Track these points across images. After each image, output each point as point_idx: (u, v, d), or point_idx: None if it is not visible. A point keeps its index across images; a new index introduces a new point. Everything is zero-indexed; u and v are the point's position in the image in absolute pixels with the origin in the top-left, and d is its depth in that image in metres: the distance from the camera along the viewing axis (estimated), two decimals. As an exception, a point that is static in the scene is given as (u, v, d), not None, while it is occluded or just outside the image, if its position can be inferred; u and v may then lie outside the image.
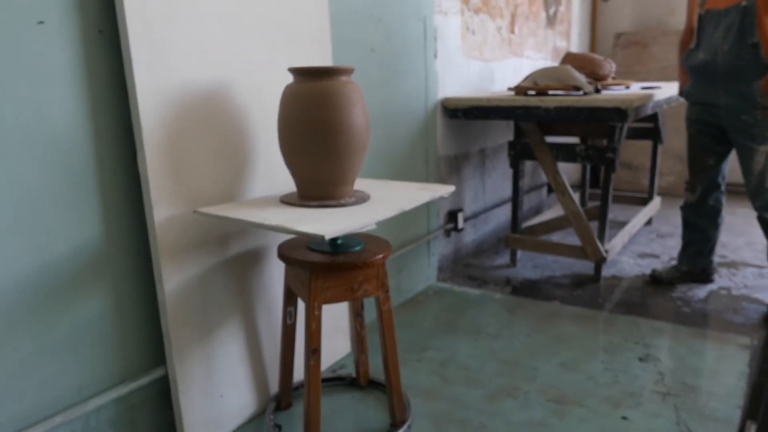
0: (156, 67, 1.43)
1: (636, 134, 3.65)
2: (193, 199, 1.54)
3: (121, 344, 1.50)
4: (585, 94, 2.57)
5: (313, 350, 1.55)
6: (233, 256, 1.68)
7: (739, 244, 3.33)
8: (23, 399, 1.32)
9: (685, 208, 2.74)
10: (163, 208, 1.47)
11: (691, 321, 2.40)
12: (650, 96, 2.62)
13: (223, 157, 1.63)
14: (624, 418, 1.75)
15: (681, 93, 2.66)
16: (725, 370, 2.00)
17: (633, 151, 4.64)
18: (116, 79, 1.42)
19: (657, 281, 2.80)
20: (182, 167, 1.51)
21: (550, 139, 2.85)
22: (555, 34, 4.07)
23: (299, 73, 1.54)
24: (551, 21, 3.97)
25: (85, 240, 1.40)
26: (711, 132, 2.52)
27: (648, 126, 3.59)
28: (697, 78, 2.49)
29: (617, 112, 2.40)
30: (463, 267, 3.10)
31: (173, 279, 1.51)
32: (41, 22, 1.27)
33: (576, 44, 4.55)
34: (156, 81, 1.43)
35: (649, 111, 2.75)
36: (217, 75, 1.59)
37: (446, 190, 1.71)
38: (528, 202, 3.91)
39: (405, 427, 1.68)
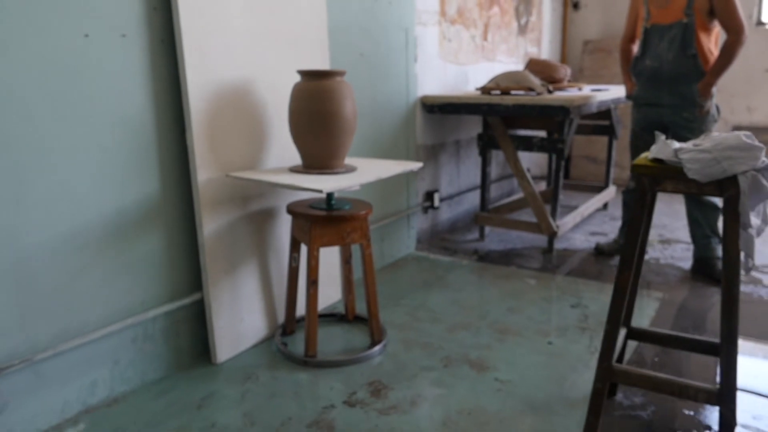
0: (200, 68, 1.94)
1: (595, 130, 4.18)
2: (225, 166, 2.06)
3: (170, 272, 2.02)
4: (538, 94, 3.10)
5: (312, 281, 2.08)
6: (252, 212, 2.21)
7: (678, 226, 3.87)
8: (106, 305, 1.84)
9: (625, 193, 3.26)
10: (203, 172, 1.99)
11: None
12: (591, 97, 3.16)
13: (246, 136, 2.15)
14: (550, 342, 2.28)
15: (629, 96, 3.12)
16: (638, 313, 2.54)
17: (598, 147, 5.18)
18: (171, 76, 1.94)
19: (600, 253, 3.33)
20: (217, 142, 2.03)
21: (521, 132, 3.38)
22: (526, 41, 4.60)
23: (305, 74, 2.06)
24: (522, 30, 4.50)
25: (147, 193, 1.92)
26: (653, 128, 2.95)
27: (605, 123, 4.13)
28: (645, 82, 2.98)
29: (562, 110, 2.94)
30: (439, 240, 3.63)
31: (209, 226, 2.03)
32: (124, 35, 1.79)
33: (547, 50, 5.08)
34: (200, 78, 1.95)
35: (593, 109, 3.29)
36: (243, 74, 2.11)
37: (416, 165, 2.24)
38: (500, 188, 4.44)
39: (381, 345, 2.21)
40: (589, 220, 4.02)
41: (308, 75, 2.06)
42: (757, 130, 4.74)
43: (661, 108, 2.94)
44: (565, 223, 3.42)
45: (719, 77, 2.75)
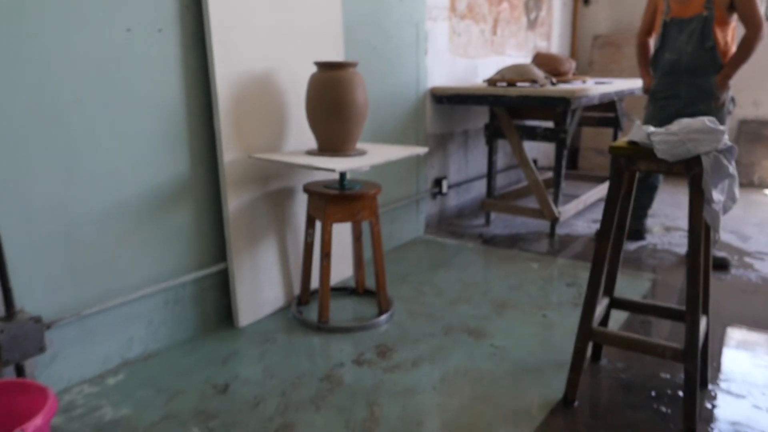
0: (227, 60, 2.15)
1: (600, 122, 4.33)
2: (248, 148, 2.27)
3: (198, 243, 2.24)
4: (541, 86, 3.27)
5: (326, 254, 2.28)
6: (272, 191, 2.42)
7: (679, 215, 4.02)
8: (142, 270, 2.06)
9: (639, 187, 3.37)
10: (229, 153, 2.20)
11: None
12: (592, 89, 3.32)
13: (267, 121, 2.35)
14: (544, 315, 2.47)
15: (646, 91, 3.19)
16: (630, 291, 2.71)
17: (605, 139, 5.32)
18: (201, 66, 2.15)
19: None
20: (242, 126, 2.24)
21: (528, 123, 3.54)
22: (536, 35, 4.75)
23: (320, 65, 2.26)
24: (532, 24, 4.66)
25: (178, 172, 2.14)
26: (668, 121, 3.05)
27: (611, 116, 4.28)
28: (663, 75, 3.05)
29: (563, 101, 3.11)
30: (447, 225, 3.82)
31: (233, 202, 2.25)
32: (160, 30, 2.00)
33: (557, 45, 5.23)
34: (227, 69, 2.16)
35: (595, 101, 3.45)
36: (265, 66, 2.31)
37: (421, 150, 2.43)
38: (508, 177, 4.61)
39: (388, 314, 2.42)
40: (592, 208, 4.17)
41: (324, 66, 2.26)
42: (763, 124, 4.86)
43: (678, 100, 3.01)
44: (567, 209, 3.59)
45: (737, 70, 2.86)
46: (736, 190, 1.66)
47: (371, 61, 2.96)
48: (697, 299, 1.57)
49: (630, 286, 2.78)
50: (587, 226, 3.81)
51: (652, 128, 1.60)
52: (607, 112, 4.24)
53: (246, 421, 1.74)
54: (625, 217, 1.82)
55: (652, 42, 3.16)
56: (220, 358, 2.11)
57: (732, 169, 1.52)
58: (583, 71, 5.49)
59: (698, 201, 1.55)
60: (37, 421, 1.34)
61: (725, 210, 1.66)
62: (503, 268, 3.04)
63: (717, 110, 2.95)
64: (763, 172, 4.83)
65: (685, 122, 1.55)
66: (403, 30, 3.18)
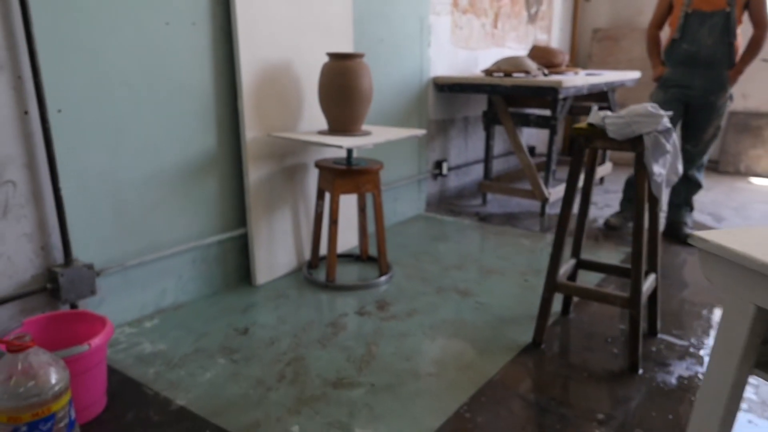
0: (250, 49, 2.47)
1: (594, 112, 4.60)
2: (267, 128, 2.60)
3: (222, 210, 2.58)
4: (533, 76, 3.56)
5: (333, 221, 2.61)
6: (287, 166, 2.75)
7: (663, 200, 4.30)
8: (175, 231, 2.40)
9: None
10: (250, 132, 2.53)
11: (594, 235, 3.41)
12: (579, 80, 3.60)
13: (284, 104, 2.68)
14: (526, 280, 2.79)
15: (657, 79, 3.35)
16: (603, 258, 3.00)
17: (602, 128, 5.59)
18: (227, 55, 2.47)
19: (610, 228, 3.65)
20: (262, 108, 2.57)
21: (525, 110, 3.83)
22: (536, 29, 5.02)
23: (332, 56, 2.58)
24: (532, 18, 4.93)
25: (206, 147, 2.47)
26: (676, 106, 3.24)
27: (604, 105, 4.55)
28: (678, 65, 3.23)
29: (552, 90, 3.40)
30: (446, 204, 4.14)
31: (253, 175, 2.58)
32: (194, 23, 2.32)
33: (557, 38, 5.49)
34: (250, 57, 2.48)
35: (585, 91, 3.74)
36: (283, 55, 2.63)
37: (420, 132, 2.75)
38: (507, 162, 4.91)
39: (387, 276, 2.74)
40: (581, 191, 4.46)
41: (335, 56, 2.57)
42: (750, 115, 5.11)
43: (690, 90, 3.19)
44: (556, 191, 3.89)
45: (748, 67, 3.11)
46: (679, 166, 1.97)
47: (378, 51, 3.27)
48: (640, 255, 1.88)
49: (605, 259, 3.08)
50: (575, 207, 4.09)
51: (604, 112, 1.90)
52: (602, 102, 4.52)
53: (263, 355, 2.08)
54: (589, 190, 2.13)
55: (662, 34, 3.32)
56: (240, 308, 2.46)
57: (669, 147, 1.82)
58: (583, 63, 5.75)
59: (642, 174, 1.85)
60: (99, 339, 1.69)
61: (669, 183, 1.97)
62: (495, 242, 3.36)
63: (723, 102, 3.19)
64: (750, 161, 5.09)
65: (631, 108, 1.85)
66: (408, 23, 3.48)
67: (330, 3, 2.84)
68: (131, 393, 1.85)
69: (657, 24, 3.37)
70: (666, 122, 1.82)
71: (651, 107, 1.82)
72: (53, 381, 1.44)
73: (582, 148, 1.97)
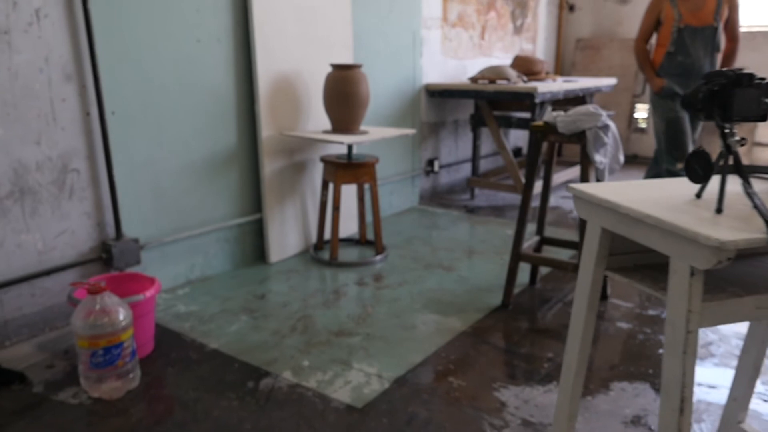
0: (265, 61, 2.92)
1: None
2: (279, 127, 3.05)
3: (241, 197, 3.02)
4: (513, 83, 4.01)
5: (336, 207, 3.05)
6: (296, 161, 3.19)
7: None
8: (202, 214, 2.84)
9: (676, 173, 3.65)
10: (265, 131, 2.97)
11: (572, 225, 3.84)
12: (553, 86, 4.05)
13: (294, 108, 3.12)
14: (502, 258, 3.22)
15: (659, 90, 3.46)
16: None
17: (585, 131, 6.03)
18: (246, 66, 2.92)
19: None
20: (275, 111, 3.01)
21: (510, 114, 4.27)
22: (522, 39, 5.48)
23: (335, 66, 3.03)
24: (518, 30, 5.38)
25: (228, 143, 2.91)
26: (686, 115, 3.53)
27: (583, 109, 4.99)
28: (677, 76, 3.50)
29: (528, 95, 3.85)
30: (438, 198, 4.58)
31: (268, 168, 3.02)
32: (219, 40, 2.78)
33: (542, 47, 5.95)
34: (265, 68, 2.93)
35: (560, 96, 4.18)
36: (293, 66, 3.08)
37: (410, 131, 3.19)
38: (496, 162, 5.35)
39: (383, 255, 3.18)
40: (561, 187, 4.91)
41: (337, 67, 3.02)
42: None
43: None
44: (537, 186, 4.31)
45: None
46: (621, 157, 2.40)
47: (375, 62, 3.72)
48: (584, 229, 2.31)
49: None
50: (554, 200, 4.54)
51: (557, 113, 2.34)
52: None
53: (278, 314, 2.52)
54: (549, 177, 2.57)
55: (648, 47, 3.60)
56: (257, 280, 2.89)
57: (608, 140, 2.26)
58: (567, 71, 6.20)
59: (586, 162, 2.29)
60: (150, 292, 2.13)
61: (611, 171, 2.40)
62: (480, 229, 3.79)
63: None
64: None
65: (576, 108, 2.29)
66: (402, 37, 3.93)
67: (333, 21, 3.29)
68: (172, 339, 2.29)
69: (645, 38, 3.58)
70: (605, 119, 2.26)
71: (592, 107, 2.26)
72: (121, 318, 1.89)
73: (539, 141, 2.41)
